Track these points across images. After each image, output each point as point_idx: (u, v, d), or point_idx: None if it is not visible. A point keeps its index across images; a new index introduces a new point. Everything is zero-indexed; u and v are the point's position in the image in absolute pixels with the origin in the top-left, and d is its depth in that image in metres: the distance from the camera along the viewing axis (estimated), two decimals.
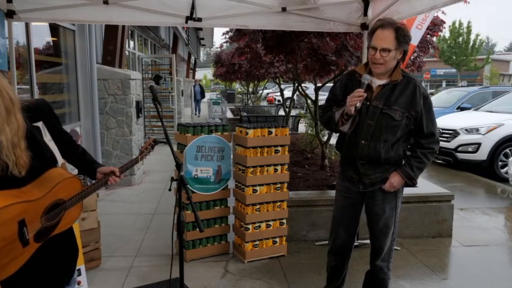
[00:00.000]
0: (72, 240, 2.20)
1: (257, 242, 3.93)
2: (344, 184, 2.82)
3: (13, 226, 1.80)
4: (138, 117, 7.15)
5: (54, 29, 5.75)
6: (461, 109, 10.49)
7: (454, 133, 8.20)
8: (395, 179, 2.63)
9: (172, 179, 2.33)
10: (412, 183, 2.66)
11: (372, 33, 2.54)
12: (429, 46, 5.67)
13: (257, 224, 3.92)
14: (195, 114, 19.95)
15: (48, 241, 1.99)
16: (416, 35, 4.38)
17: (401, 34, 2.47)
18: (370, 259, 2.89)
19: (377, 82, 2.61)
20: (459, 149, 8.04)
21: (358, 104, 2.47)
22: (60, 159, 2.09)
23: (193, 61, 32.16)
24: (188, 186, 2.26)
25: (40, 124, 1.95)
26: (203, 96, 21.20)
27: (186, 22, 3.97)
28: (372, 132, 2.59)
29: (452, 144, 8.15)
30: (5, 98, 1.70)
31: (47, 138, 1.99)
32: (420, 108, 2.56)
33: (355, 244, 3.13)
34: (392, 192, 2.69)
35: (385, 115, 2.56)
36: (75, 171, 2.40)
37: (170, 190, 2.77)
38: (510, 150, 7.73)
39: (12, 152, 1.72)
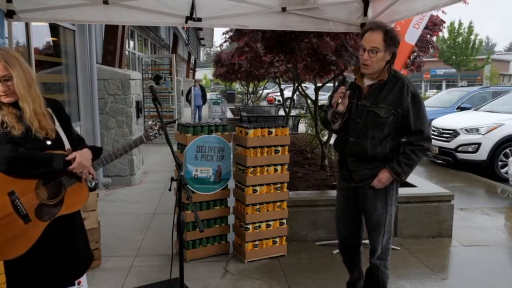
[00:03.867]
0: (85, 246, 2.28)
1: (257, 242, 3.93)
2: (341, 181, 2.93)
3: (2, 197, 1.91)
4: (138, 117, 7.15)
5: (54, 29, 5.76)
6: (461, 109, 10.48)
7: (454, 133, 8.20)
8: (383, 175, 2.66)
9: (172, 179, 2.33)
10: (400, 179, 2.69)
11: (362, 35, 2.65)
12: (429, 46, 5.66)
13: (257, 224, 3.92)
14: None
15: (57, 224, 2.06)
16: (413, 35, 4.38)
17: (389, 37, 2.56)
18: (369, 257, 2.93)
19: (366, 82, 2.72)
20: (459, 149, 8.04)
21: (340, 100, 2.58)
22: (67, 145, 2.16)
23: (193, 61, 32.17)
24: (188, 186, 2.26)
25: (49, 109, 2.14)
26: (204, 101, 15.96)
27: (186, 22, 3.97)
28: (359, 130, 2.68)
29: (452, 144, 8.15)
30: (27, 74, 2.01)
31: (56, 124, 2.14)
32: (407, 105, 2.61)
33: None
34: (383, 189, 2.72)
35: (371, 113, 2.64)
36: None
37: (170, 190, 2.77)
38: (510, 150, 7.73)
39: (36, 119, 2.02)
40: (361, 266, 3.05)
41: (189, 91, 15.56)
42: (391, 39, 2.56)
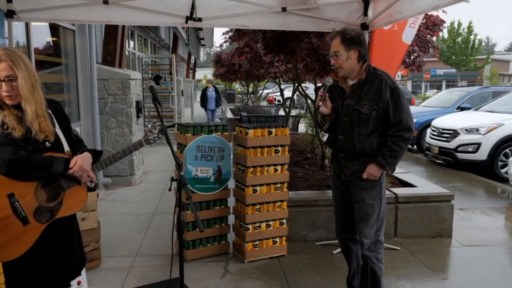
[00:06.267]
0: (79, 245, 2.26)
1: (257, 242, 3.93)
2: (333, 173, 3.13)
3: (1, 199, 1.91)
4: (138, 117, 7.15)
5: (54, 29, 5.75)
6: (461, 109, 10.47)
7: (454, 133, 8.20)
8: (371, 168, 2.80)
9: (172, 179, 2.33)
10: (386, 171, 2.82)
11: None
12: (429, 46, 5.66)
13: (257, 224, 3.92)
14: None
15: (55, 226, 2.05)
16: (409, 34, 4.39)
17: (346, 38, 2.76)
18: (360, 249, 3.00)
19: (349, 83, 2.89)
20: (459, 149, 8.04)
21: (321, 103, 2.82)
22: (66, 147, 2.15)
23: (193, 61, 32.16)
24: (188, 186, 2.26)
25: (49, 111, 2.12)
26: (218, 104, 14.28)
27: (186, 22, 3.97)
28: (347, 128, 2.85)
29: (452, 144, 8.15)
30: (31, 75, 1.99)
31: (56, 126, 2.13)
32: (386, 99, 2.75)
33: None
34: (372, 182, 2.83)
35: (355, 111, 2.81)
36: None
37: (170, 190, 2.77)
38: (510, 150, 7.73)
39: (36, 121, 2.00)
40: (360, 259, 3.08)
41: (203, 94, 14.05)
42: (350, 39, 2.76)
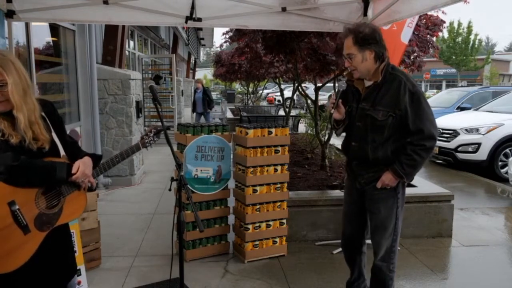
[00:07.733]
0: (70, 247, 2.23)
1: (257, 242, 3.93)
2: (347, 180, 2.96)
3: (2, 207, 1.84)
4: (138, 117, 7.15)
5: (54, 29, 5.75)
6: (461, 109, 10.48)
7: (454, 133, 8.20)
8: (386, 177, 2.62)
9: (172, 179, 2.33)
10: (403, 181, 2.63)
11: (342, 44, 2.68)
12: (429, 46, 5.66)
13: (257, 224, 3.92)
14: None
15: (52, 234, 2.00)
16: (407, 34, 4.40)
17: (360, 38, 2.53)
18: (373, 258, 2.92)
19: (366, 84, 2.69)
20: (459, 149, 8.04)
21: (333, 110, 2.66)
22: (62, 152, 2.10)
23: (193, 61, 32.14)
24: (188, 186, 2.26)
25: (43, 114, 2.04)
26: (209, 106, 12.59)
27: (186, 22, 3.96)
28: (360, 134, 2.67)
29: (452, 144, 8.15)
30: (23, 80, 1.89)
31: (52, 131, 2.07)
32: (404, 105, 2.51)
33: None
34: (388, 192, 2.66)
35: (369, 116, 2.61)
36: None
37: (170, 190, 2.77)
38: (510, 150, 7.73)
39: (30, 129, 1.91)
40: (362, 266, 3.04)
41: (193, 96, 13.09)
42: (363, 39, 2.52)
